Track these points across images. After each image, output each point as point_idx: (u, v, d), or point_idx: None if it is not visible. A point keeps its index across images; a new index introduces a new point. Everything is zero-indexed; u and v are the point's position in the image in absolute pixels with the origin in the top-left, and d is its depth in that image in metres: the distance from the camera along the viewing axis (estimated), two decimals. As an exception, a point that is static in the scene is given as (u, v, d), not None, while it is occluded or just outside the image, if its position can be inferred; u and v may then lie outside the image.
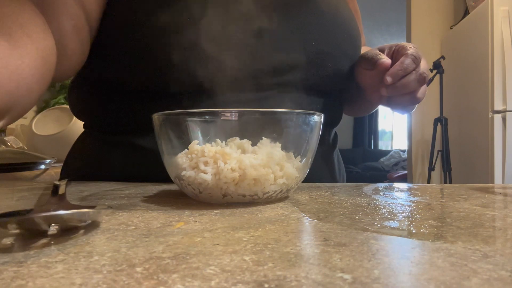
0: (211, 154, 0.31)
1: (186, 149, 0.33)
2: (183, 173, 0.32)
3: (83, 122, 0.61)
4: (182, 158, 0.33)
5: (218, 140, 0.33)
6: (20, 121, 1.83)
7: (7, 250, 0.20)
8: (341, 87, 0.59)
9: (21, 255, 0.19)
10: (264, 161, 0.31)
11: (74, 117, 1.17)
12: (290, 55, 0.50)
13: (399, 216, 0.27)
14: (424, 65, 0.50)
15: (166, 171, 0.35)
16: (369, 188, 0.41)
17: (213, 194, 0.31)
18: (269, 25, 0.48)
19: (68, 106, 1.25)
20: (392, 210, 0.30)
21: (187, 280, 0.15)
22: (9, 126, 1.67)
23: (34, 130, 1.16)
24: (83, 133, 0.62)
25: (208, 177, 0.30)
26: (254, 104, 0.49)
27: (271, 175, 0.31)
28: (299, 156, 0.34)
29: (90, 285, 0.15)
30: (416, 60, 0.48)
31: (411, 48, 0.50)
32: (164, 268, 0.17)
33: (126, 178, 0.51)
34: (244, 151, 0.32)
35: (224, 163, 0.30)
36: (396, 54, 0.52)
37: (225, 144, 0.33)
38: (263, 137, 0.33)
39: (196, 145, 0.32)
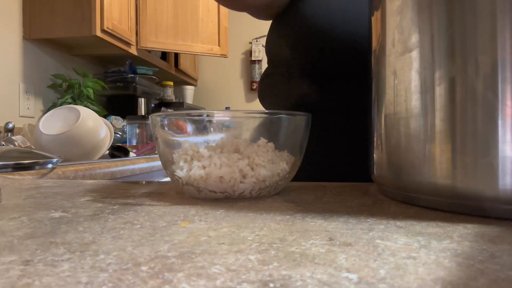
0: (190, 153, 0.35)
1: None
2: (171, 167, 0.36)
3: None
4: (175, 155, 0.36)
5: (211, 140, 0.35)
6: (28, 121, 1.84)
7: (13, 248, 0.20)
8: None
9: (27, 253, 0.19)
10: (232, 160, 0.33)
11: (81, 117, 1.18)
12: None
13: (405, 215, 0.27)
14: None
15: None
16: (374, 187, 0.41)
17: (190, 189, 0.35)
18: None
19: (75, 106, 1.26)
20: (398, 209, 0.29)
21: (192, 279, 0.15)
22: (17, 126, 1.68)
23: (41, 130, 1.17)
24: None
25: (182, 173, 0.34)
26: None
27: (237, 174, 0.33)
28: (292, 156, 0.36)
29: (96, 284, 0.15)
30: None
31: None
32: (169, 267, 0.17)
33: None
34: (237, 151, 0.34)
35: (198, 161, 0.34)
36: None
37: (216, 144, 0.35)
38: (261, 138, 0.35)
39: (186, 144, 0.36)
